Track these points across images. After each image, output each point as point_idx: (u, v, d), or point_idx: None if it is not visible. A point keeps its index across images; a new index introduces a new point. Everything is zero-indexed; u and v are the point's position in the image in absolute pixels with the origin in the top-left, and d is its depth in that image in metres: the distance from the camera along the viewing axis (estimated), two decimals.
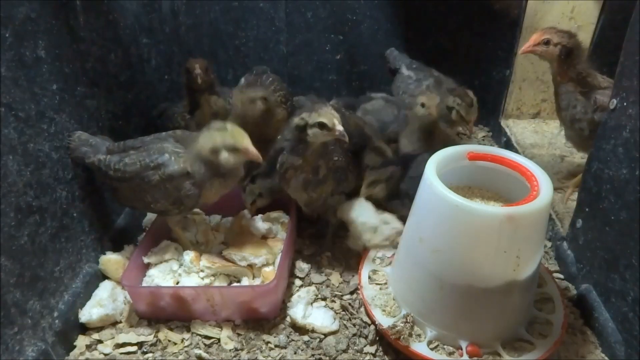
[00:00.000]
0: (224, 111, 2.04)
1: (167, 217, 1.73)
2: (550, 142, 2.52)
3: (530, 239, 1.33)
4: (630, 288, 1.38)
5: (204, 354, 1.49)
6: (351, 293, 1.71)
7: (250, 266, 1.69)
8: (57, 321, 1.46)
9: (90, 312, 1.55)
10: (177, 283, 1.67)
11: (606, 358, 1.47)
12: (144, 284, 1.67)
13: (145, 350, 1.53)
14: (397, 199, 1.81)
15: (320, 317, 1.58)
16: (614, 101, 1.48)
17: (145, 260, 1.70)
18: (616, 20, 2.29)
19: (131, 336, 1.55)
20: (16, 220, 1.32)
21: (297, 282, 1.76)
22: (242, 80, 2.29)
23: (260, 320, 1.61)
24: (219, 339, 1.55)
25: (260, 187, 1.85)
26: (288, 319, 1.60)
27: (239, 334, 1.57)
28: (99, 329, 1.58)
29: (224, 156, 1.50)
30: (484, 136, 2.77)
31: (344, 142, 1.53)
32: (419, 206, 1.46)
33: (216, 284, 1.67)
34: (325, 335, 1.56)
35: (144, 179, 1.54)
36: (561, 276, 1.76)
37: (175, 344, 1.54)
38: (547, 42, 1.84)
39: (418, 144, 1.96)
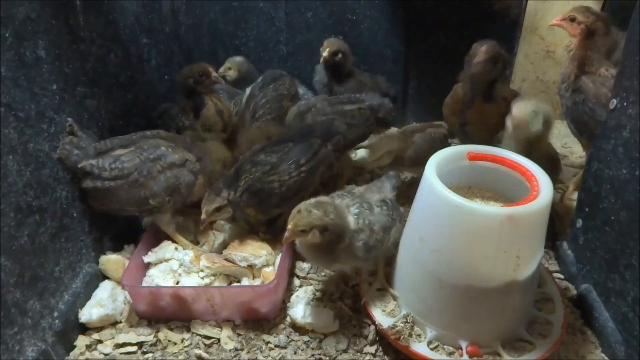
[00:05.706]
0: (228, 110, 2.09)
1: (157, 219, 1.75)
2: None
3: (530, 239, 1.33)
4: (630, 288, 1.38)
5: (204, 354, 1.49)
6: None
7: (251, 266, 1.69)
8: (57, 321, 1.46)
9: (90, 312, 1.55)
10: (177, 283, 1.67)
11: (606, 358, 1.47)
12: (144, 284, 1.67)
13: (145, 350, 1.53)
14: None
15: (320, 317, 1.58)
16: (614, 101, 1.48)
17: (145, 260, 1.70)
18: (616, 20, 2.29)
19: (131, 336, 1.55)
20: (16, 220, 1.32)
21: (297, 282, 1.76)
22: (249, 88, 2.28)
23: (260, 320, 1.61)
24: (219, 339, 1.55)
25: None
26: (288, 319, 1.60)
27: (239, 334, 1.57)
28: (99, 329, 1.58)
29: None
30: None
31: None
32: (419, 206, 1.46)
33: (216, 284, 1.67)
34: (325, 335, 1.56)
35: (142, 172, 1.61)
36: (561, 276, 1.76)
37: (175, 344, 1.54)
38: (572, 19, 1.87)
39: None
